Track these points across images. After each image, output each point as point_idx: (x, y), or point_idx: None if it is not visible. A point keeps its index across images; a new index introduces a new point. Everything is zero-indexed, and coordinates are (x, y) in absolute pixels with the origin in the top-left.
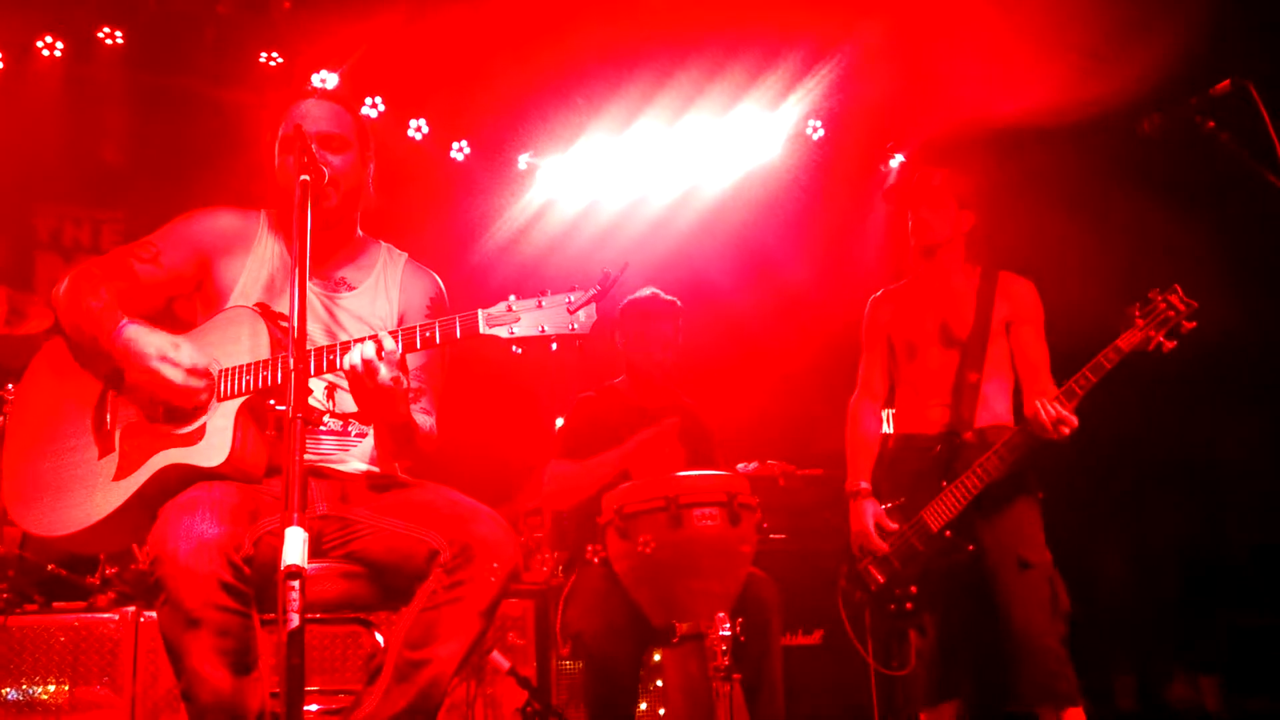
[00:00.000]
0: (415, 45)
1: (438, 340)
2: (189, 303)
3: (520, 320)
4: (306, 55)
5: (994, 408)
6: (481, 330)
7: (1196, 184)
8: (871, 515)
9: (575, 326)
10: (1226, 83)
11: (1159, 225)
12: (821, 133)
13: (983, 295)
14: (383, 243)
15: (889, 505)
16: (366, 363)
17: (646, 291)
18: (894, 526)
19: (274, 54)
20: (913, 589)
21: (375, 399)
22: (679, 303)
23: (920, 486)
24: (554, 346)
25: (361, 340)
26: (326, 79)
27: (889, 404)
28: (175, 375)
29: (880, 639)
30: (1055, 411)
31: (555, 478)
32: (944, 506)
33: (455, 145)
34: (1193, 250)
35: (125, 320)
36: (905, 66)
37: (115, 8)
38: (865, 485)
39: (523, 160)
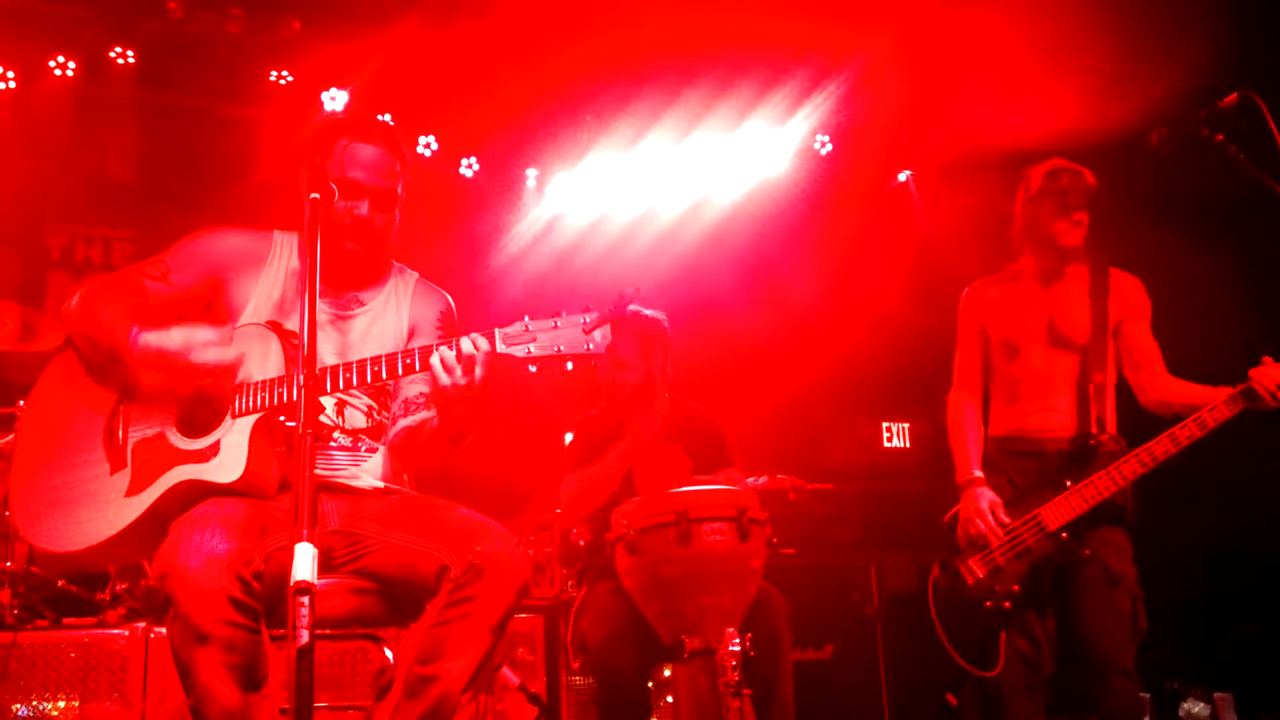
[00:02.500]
0: (424, 62)
1: (493, 349)
2: (197, 320)
3: (536, 340)
4: (316, 73)
5: (1109, 418)
6: (498, 349)
7: (1207, 201)
8: (988, 501)
9: (591, 346)
10: (1234, 96)
11: (1171, 243)
12: (830, 148)
13: (1097, 295)
14: (394, 262)
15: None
16: (467, 357)
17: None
18: (1007, 520)
19: (284, 73)
20: (1014, 588)
21: (461, 398)
22: (656, 316)
23: (1038, 485)
24: (570, 366)
25: (455, 338)
26: (336, 97)
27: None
28: (210, 357)
29: (969, 637)
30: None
31: (574, 490)
32: (1067, 507)
33: (464, 161)
34: (1206, 265)
35: (138, 329)
36: (913, 82)
37: (127, 27)
38: (979, 474)
39: (531, 176)
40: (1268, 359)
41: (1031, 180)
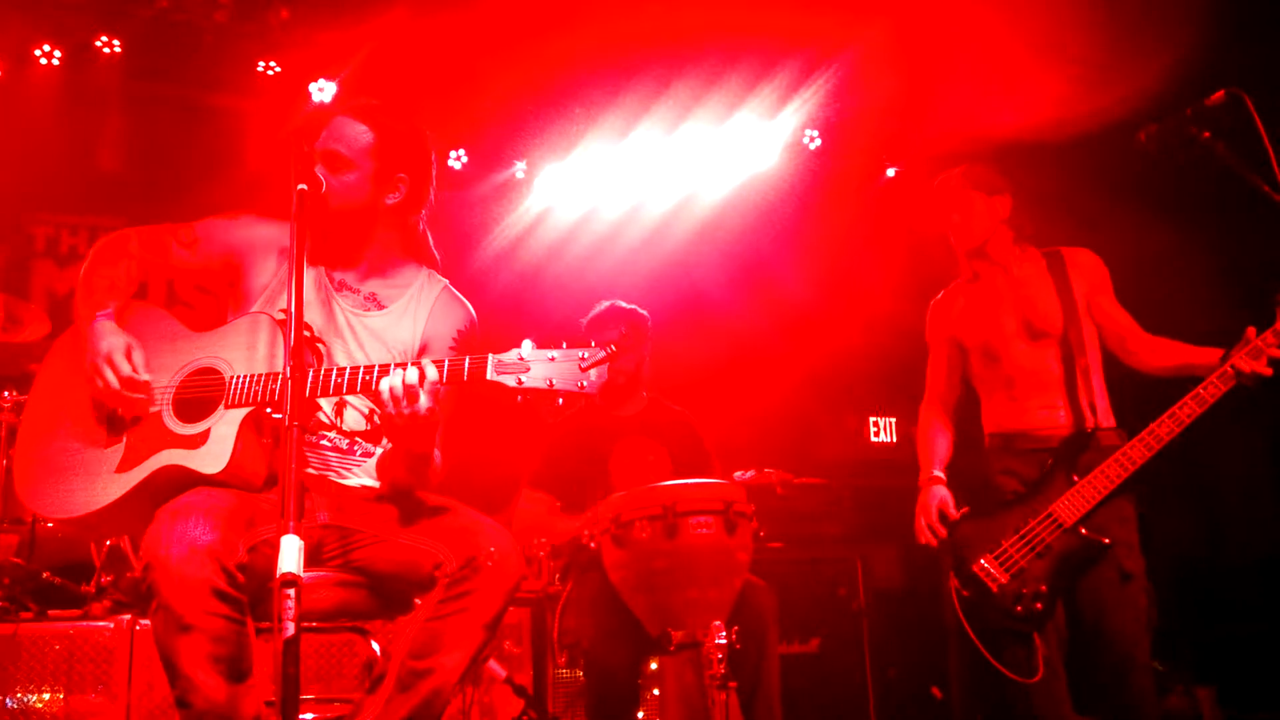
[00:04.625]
0: (412, 54)
1: (443, 380)
2: (219, 300)
3: (530, 370)
4: (304, 64)
5: (1100, 403)
6: (489, 376)
7: (1192, 195)
8: (938, 499)
9: (585, 384)
10: (1221, 93)
11: (1154, 237)
12: (819, 142)
13: (1058, 278)
14: (425, 268)
15: (993, 507)
16: (408, 388)
17: (606, 304)
18: (955, 515)
19: (271, 63)
20: (1042, 588)
21: (407, 427)
22: (641, 311)
23: (1043, 482)
24: (560, 402)
25: (404, 365)
26: (324, 87)
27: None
28: (111, 380)
29: (997, 643)
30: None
31: (525, 518)
32: (1080, 500)
33: (453, 154)
34: (1189, 262)
35: (105, 311)
36: (903, 76)
37: (113, 16)
38: (938, 474)
39: (520, 169)
40: (1251, 331)
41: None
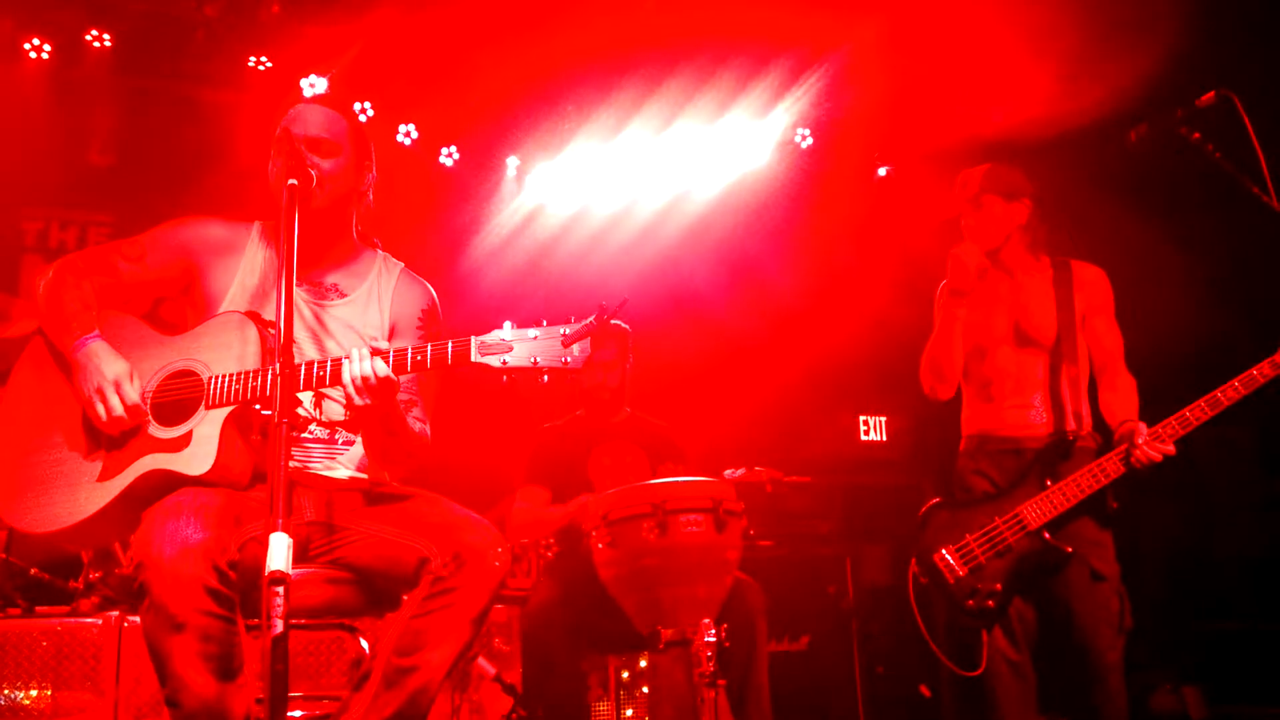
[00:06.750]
0: (404, 50)
1: (428, 364)
2: (176, 306)
3: (513, 350)
4: (295, 59)
5: (1085, 411)
6: (473, 358)
7: (1181, 195)
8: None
9: (569, 360)
10: (1211, 94)
11: (1142, 236)
12: (810, 141)
13: (1061, 291)
14: (379, 251)
15: (968, 501)
16: (364, 379)
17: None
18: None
19: (262, 58)
20: (997, 586)
21: (365, 411)
22: (623, 325)
23: (1018, 483)
24: (545, 379)
25: (350, 358)
26: (315, 83)
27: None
28: (116, 408)
29: (952, 635)
30: (1149, 456)
31: (520, 514)
32: (1048, 505)
33: (444, 150)
34: (1177, 261)
35: (93, 333)
36: (895, 75)
37: (103, 10)
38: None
39: (512, 166)
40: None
41: None
